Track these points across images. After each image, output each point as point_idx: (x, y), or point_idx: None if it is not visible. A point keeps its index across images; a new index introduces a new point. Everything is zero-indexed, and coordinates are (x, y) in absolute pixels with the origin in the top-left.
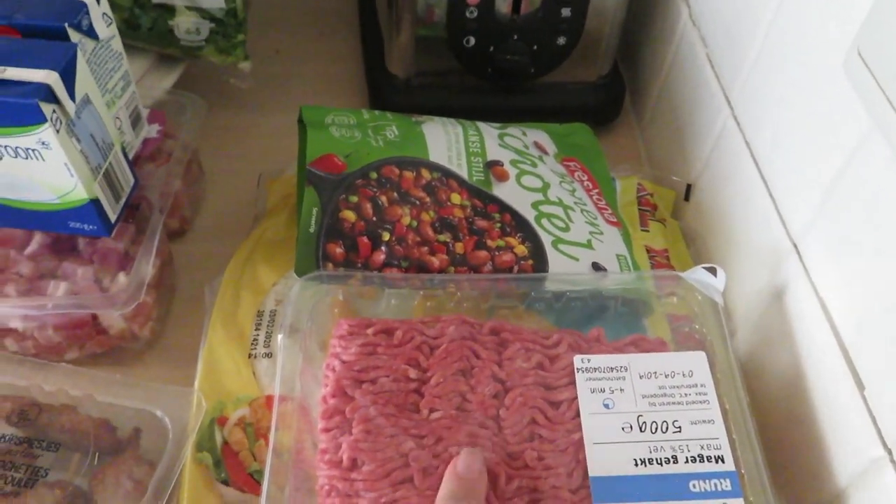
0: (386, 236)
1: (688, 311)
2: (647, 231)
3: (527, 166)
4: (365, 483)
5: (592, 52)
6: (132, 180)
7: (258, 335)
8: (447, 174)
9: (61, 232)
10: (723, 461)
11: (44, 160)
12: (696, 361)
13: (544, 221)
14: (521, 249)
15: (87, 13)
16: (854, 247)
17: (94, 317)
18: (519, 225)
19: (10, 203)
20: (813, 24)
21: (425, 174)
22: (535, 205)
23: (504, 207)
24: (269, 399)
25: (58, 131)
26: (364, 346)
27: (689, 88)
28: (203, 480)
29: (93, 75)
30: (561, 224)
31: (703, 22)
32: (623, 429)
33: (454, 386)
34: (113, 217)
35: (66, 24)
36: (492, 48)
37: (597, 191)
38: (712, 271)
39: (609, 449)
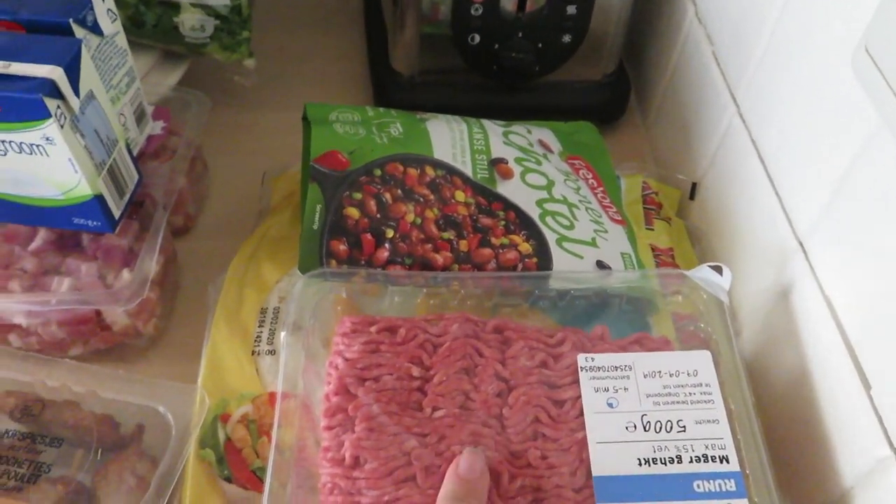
0: (390, 233)
1: (693, 310)
2: (652, 229)
3: (531, 164)
4: (367, 481)
5: (597, 50)
6: (136, 177)
7: (261, 332)
8: (451, 171)
9: (65, 228)
10: (727, 461)
11: (48, 156)
12: (700, 360)
13: (549, 219)
14: (526, 247)
15: (92, 9)
16: (861, 246)
17: (98, 313)
18: (523, 223)
19: (14, 199)
20: (819, 21)
21: (429, 171)
22: (539, 202)
23: (508, 205)
24: (272, 396)
25: (62, 127)
26: (367, 343)
27: (695, 86)
28: (206, 477)
29: (97, 71)
30: (565, 222)
31: (708, 20)
32: (627, 428)
33: (457, 384)
34: (117, 213)
35: (71, 20)
36: (497, 46)
37: (601, 189)
38: (718, 270)
39: (613, 448)
